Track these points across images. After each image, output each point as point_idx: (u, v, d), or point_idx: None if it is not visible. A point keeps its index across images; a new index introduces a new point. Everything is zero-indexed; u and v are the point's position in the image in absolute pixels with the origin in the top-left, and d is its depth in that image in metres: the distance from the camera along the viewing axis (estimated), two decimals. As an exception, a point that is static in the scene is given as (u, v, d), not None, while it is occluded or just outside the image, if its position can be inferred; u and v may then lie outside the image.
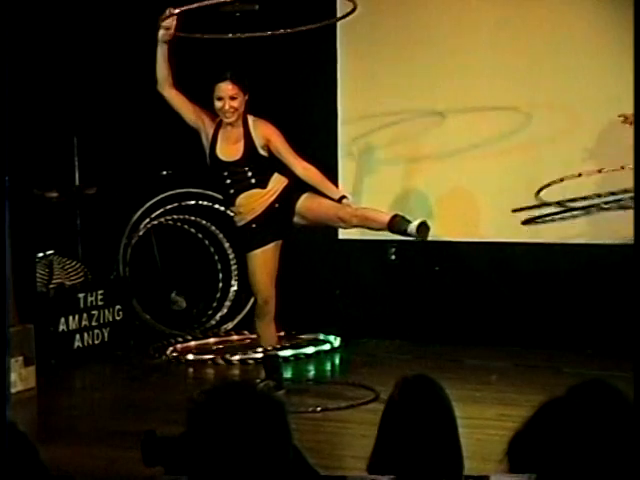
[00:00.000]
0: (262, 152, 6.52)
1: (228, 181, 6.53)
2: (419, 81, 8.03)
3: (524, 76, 7.73)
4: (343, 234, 8.31)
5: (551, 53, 7.69)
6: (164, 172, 8.64)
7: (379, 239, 8.20)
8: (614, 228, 7.09)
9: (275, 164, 6.60)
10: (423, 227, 6.42)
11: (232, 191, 6.54)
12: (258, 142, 6.50)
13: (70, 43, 8.45)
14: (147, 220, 8.54)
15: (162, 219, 8.60)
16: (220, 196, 8.42)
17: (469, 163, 7.96)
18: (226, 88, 6.45)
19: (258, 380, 6.60)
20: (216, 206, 8.45)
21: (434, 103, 8.00)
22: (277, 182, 6.54)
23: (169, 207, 8.57)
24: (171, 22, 6.36)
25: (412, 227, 6.40)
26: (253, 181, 6.51)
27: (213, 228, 8.64)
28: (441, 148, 8.04)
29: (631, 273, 6.57)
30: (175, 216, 8.63)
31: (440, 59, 7.96)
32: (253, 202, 6.52)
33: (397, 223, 6.44)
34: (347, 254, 8.30)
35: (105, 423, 6.12)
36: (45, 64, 8.21)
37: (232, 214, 6.74)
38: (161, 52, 6.43)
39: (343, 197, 6.49)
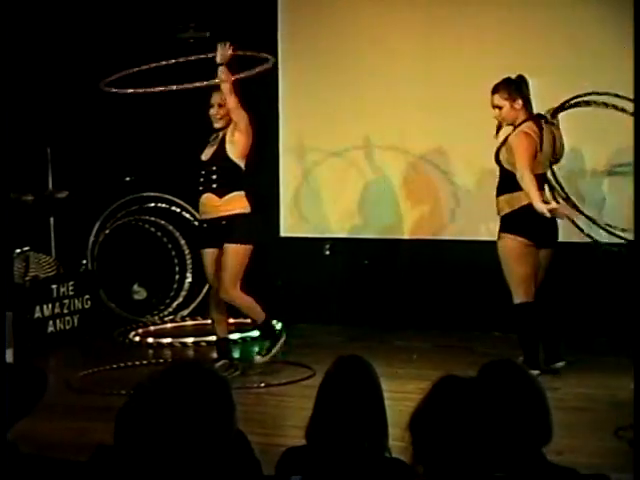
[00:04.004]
0: (231, 154, 6.42)
1: (201, 179, 6.47)
2: (357, 110, 8.02)
3: (455, 105, 7.70)
4: (284, 232, 8.34)
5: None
6: (127, 178, 8.61)
7: (315, 237, 8.25)
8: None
9: (241, 183, 6.48)
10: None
11: (201, 188, 6.47)
12: (228, 138, 6.41)
13: (44, 65, 8.39)
14: (112, 220, 8.51)
15: (125, 219, 8.56)
16: (177, 199, 8.45)
17: (400, 175, 8.00)
18: (215, 96, 6.46)
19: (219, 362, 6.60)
20: (173, 208, 8.45)
21: (369, 133, 7.99)
22: (234, 203, 6.43)
23: (132, 209, 8.54)
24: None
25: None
26: (214, 185, 6.43)
27: (170, 227, 8.61)
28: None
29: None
30: (137, 217, 8.60)
31: (376, 91, 7.94)
32: (208, 205, 6.46)
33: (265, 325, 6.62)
34: (288, 249, 8.31)
35: (75, 399, 6.06)
36: (22, 84, 8.12)
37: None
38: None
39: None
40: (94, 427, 4.84)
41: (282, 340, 6.65)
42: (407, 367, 6.68)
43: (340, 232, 8.23)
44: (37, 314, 7.62)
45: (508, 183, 6.36)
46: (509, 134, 6.38)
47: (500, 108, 6.38)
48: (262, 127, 8.10)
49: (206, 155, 6.49)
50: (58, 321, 7.80)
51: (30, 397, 2.72)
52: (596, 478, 2.89)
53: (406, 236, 8.05)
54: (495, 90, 6.40)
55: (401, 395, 5.40)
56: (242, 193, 6.46)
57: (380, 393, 3.06)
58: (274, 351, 6.62)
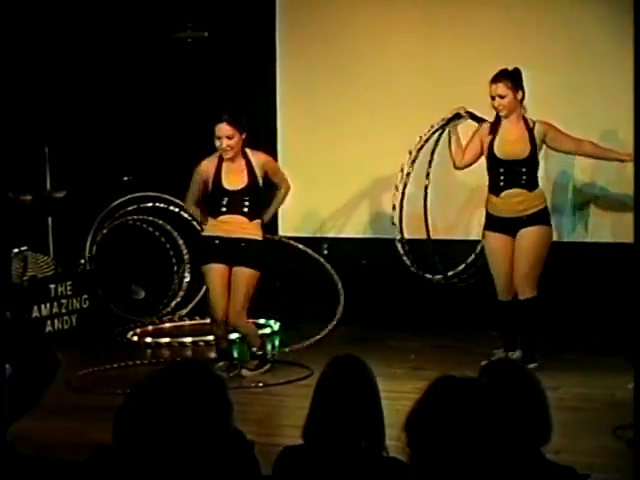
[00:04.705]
0: (261, 182, 6.50)
1: (224, 202, 6.45)
2: (355, 110, 8.02)
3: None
4: (282, 232, 8.32)
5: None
6: (125, 178, 8.60)
7: (313, 237, 8.24)
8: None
9: (260, 211, 6.57)
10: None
11: (224, 209, 6.46)
12: (258, 172, 6.46)
13: (41, 65, 8.39)
14: (110, 220, 8.49)
15: (124, 219, 8.55)
16: (175, 199, 8.43)
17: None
18: (223, 129, 6.36)
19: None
20: (171, 208, 8.44)
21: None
22: (256, 228, 6.51)
23: (130, 208, 8.52)
24: None
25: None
26: (246, 210, 6.46)
27: (168, 227, 8.60)
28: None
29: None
30: (135, 216, 8.58)
31: (375, 91, 7.94)
32: (233, 225, 6.45)
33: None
34: (286, 249, 8.29)
35: (73, 399, 6.05)
36: (20, 84, 8.11)
37: (203, 228, 6.67)
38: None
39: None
40: (93, 427, 4.85)
41: (270, 365, 6.71)
42: (405, 367, 6.68)
43: (338, 232, 8.22)
44: (35, 313, 7.62)
45: (537, 177, 6.47)
46: (528, 127, 6.44)
47: (503, 97, 6.40)
48: (260, 127, 8.14)
49: (233, 184, 6.44)
50: (56, 321, 7.79)
51: (42, 378, 2.75)
52: (593, 478, 2.89)
53: (405, 236, 8.02)
54: (498, 79, 6.41)
55: (399, 395, 5.41)
56: (260, 221, 6.56)
57: (376, 391, 3.06)
58: (262, 370, 6.63)
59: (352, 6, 8.03)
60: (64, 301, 7.88)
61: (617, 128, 7.12)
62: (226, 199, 6.45)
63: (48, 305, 7.74)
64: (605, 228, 7.46)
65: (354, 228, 8.18)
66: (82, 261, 8.38)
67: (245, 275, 6.46)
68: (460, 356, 6.73)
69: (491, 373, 2.88)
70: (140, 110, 8.47)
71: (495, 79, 6.42)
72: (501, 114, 6.47)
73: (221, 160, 6.45)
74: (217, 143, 6.39)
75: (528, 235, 6.45)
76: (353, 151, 8.03)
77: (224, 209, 6.46)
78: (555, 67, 7.39)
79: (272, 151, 8.18)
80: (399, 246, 7.15)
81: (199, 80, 8.19)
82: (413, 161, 7.09)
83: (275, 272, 7.11)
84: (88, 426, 5.12)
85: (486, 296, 7.04)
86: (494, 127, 6.54)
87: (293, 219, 8.34)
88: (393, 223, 7.04)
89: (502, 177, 6.51)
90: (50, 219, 8.30)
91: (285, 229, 8.34)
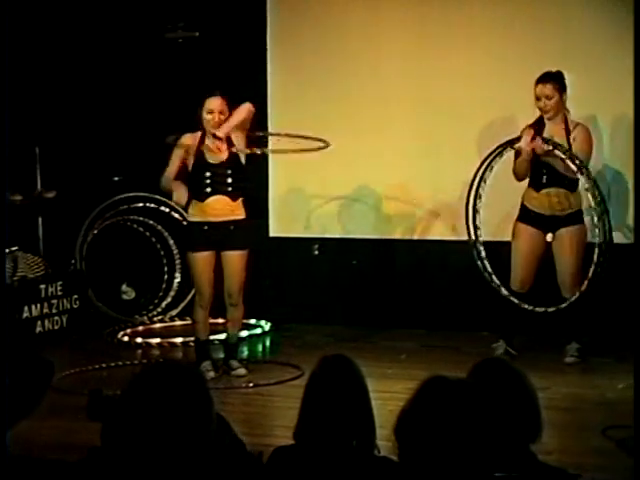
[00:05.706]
0: (242, 158, 6.43)
1: (208, 181, 6.37)
2: (347, 110, 8.02)
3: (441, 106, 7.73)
4: (273, 233, 8.32)
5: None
6: (116, 178, 8.59)
7: (305, 237, 8.23)
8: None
9: (246, 189, 6.52)
10: None
11: (209, 190, 6.38)
12: (239, 146, 6.39)
13: (32, 65, 8.37)
14: (101, 220, 8.48)
15: (114, 219, 8.53)
16: (166, 199, 8.41)
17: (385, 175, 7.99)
18: (216, 102, 6.38)
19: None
20: (161, 208, 8.42)
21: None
22: (242, 207, 6.46)
23: (120, 209, 8.51)
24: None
25: None
26: (230, 189, 6.40)
27: (159, 227, 8.59)
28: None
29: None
30: (125, 216, 8.57)
31: (367, 91, 7.94)
32: (219, 208, 6.39)
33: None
34: (276, 249, 8.29)
35: (63, 399, 6.02)
36: (10, 84, 8.09)
37: (188, 212, 6.56)
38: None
39: None
40: (81, 427, 4.81)
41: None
42: (396, 367, 6.67)
43: (329, 232, 8.21)
44: (25, 314, 7.59)
45: (578, 178, 6.48)
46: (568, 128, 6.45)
47: (550, 98, 6.39)
48: (251, 127, 8.12)
49: (216, 157, 6.39)
50: (46, 321, 7.77)
51: (37, 386, 2.74)
52: (585, 478, 2.89)
53: (395, 236, 8.04)
54: (545, 80, 6.41)
55: (390, 395, 5.41)
56: (242, 199, 6.50)
57: (365, 390, 3.05)
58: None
59: (344, 6, 8.02)
60: (54, 301, 7.86)
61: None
62: (208, 174, 6.37)
63: (38, 305, 7.72)
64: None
65: (345, 228, 8.18)
66: (72, 261, 8.36)
67: (238, 258, 6.47)
68: (451, 356, 6.72)
69: (480, 373, 2.88)
70: (131, 110, 8.46)
71: (542, 80, 6.41)
72: (546, 116, 6.46)
73: (203, 137, 6.41)
74: (208, 117, 6.36)
75: (571, 234, 6.48)
76: (344, 151, 8.02)
77: (208, 189, 6.38)
78: (552, 66, 7.36)
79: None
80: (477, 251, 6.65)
81: (190, 80, 8.16)
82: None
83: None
84: (76, 426, 5.08)
85: (479, 297, 7.04)
86: (537, 130, 6.46)
87: (284, 219, 8.34)
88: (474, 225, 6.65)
89: (545, 176, 6.50)
90: (40, 219, 8.29)
91: (276, 229, 8.34)
